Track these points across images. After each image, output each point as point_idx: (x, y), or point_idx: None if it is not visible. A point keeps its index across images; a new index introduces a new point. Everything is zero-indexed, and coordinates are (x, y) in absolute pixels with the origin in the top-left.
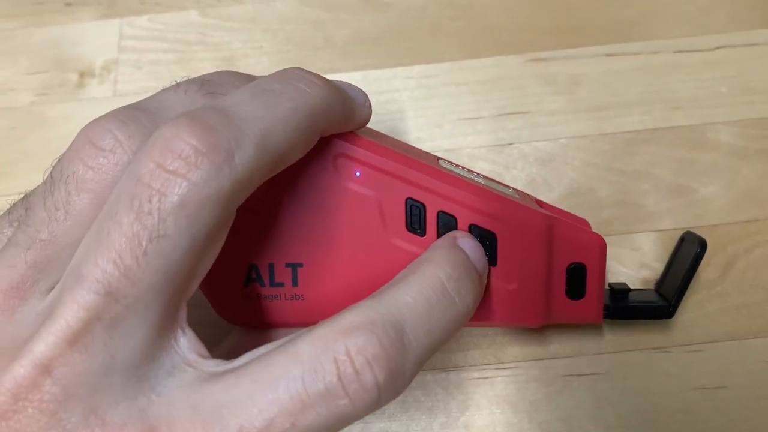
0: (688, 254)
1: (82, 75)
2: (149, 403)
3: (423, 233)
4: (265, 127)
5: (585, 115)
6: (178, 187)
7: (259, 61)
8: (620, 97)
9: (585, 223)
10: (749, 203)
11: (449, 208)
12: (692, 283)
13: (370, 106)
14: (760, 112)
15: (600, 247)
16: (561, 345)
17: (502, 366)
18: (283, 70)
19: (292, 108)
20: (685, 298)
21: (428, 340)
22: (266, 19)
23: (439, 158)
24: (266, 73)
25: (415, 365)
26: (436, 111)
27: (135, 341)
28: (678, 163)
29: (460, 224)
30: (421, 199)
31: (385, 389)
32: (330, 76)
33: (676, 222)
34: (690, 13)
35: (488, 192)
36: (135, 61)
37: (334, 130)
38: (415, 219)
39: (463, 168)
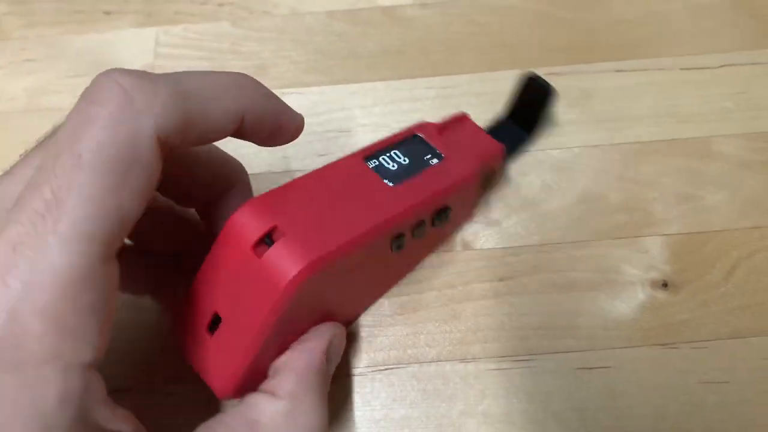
0: (536, 95)
1: None
2: None
3: None
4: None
5: (597, 126)
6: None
7: (288, 69)
8: (630, 110)
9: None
10: (752, 211)
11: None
12: (698, 284)
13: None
14: (763, 127)
15: None
16: (574, 340)
17: (518, 358)
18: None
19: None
20: (691, 298)
21: None
22: (295, 31)
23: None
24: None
25: None
26: None
27: None
28: (685, 173)
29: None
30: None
31: None
32: (354, 86)
33: (682, 227)
34: (696, 33)
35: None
36: (170, 67)
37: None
38: None
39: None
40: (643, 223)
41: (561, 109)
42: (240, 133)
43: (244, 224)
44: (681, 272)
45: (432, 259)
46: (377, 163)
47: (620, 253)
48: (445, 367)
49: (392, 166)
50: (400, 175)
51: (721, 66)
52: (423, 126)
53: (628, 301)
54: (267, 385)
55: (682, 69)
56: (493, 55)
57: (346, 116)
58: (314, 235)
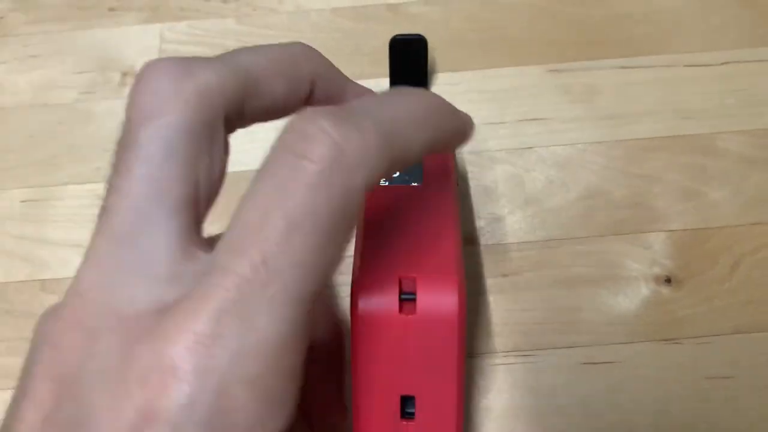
0: (410, 51)
1: (124, 75)
2: None
3: None
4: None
5: (601, 122)
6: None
7: None
8: (634, 106)
9: None
10: (756, 207)
11: None
12: (701, 280)
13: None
14: (766, 123)
15: None
16: (578, 335)
17: (522, 353)
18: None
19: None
20: (694, 293)
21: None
22: (300, 28)
23: None
24: None
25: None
26: None
27: None
28: (688, 169)
29: None
30: None
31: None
32: (359, 82)
33: (685, 223)
34: (700, 30)
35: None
36: None
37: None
38: None
39: None
40: (646, 219)
41: (565, 106)
42: None
43: (374, 301)
44: (684, 268)
45: None
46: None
47: (624, 249)
48: None
49: (396, 173)
50: (413, 172)
51: (725, 63)
52: None
53: (631, 297)
54: None
55: (686, 66)
56: (497, 52)
57: None
58: (432, 261)
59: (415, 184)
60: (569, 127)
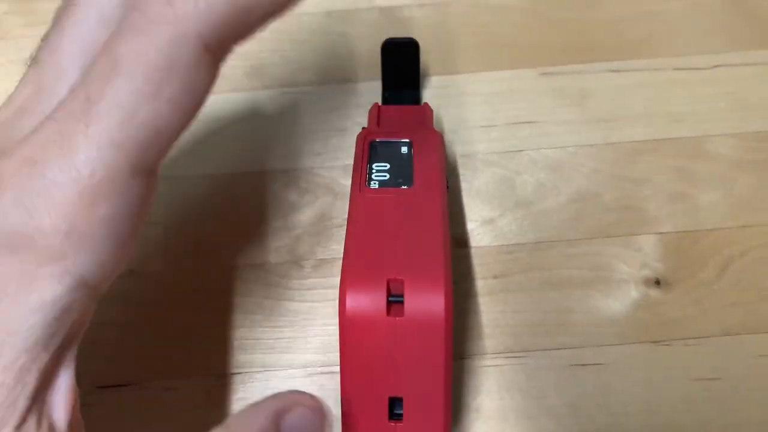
0: (407, 57)
1: None
2: None
3: None
4: None
5: (592, 125)
6: None
7: (286, 68)
8: (625, 110)
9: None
10: (744, 210)
11: None
12: (690, 282)
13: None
14: (756, 126)
15: None
16: (568, 337)
17: (512, 355)
18: None
19: None
20: (683, 295)
21: None
22: (293, 30)
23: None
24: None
25: None
26: (451, 118)
27: None
28: (678, 172)
29: None
30: None
31: None
32: (352, 85)
33: (675, 226)
34: (691, 34)
35: None
36: None
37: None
38: None
39: None
40: (636, 221)
41: (557, 109)
42: None
43: (362, 303)
44: (674, 270)
45: None
46: (377, 181)
47: (614, 251)
48: None
49: (386, 176)
50: (404, 174)
51: (715, 66)
52: (366, 132)
53: (621, 299)
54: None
55: (675, 69)
56: (490, 55)
57: (344, 115)
58: (420, 263)
59: (405, 186)
60: (560, 130)
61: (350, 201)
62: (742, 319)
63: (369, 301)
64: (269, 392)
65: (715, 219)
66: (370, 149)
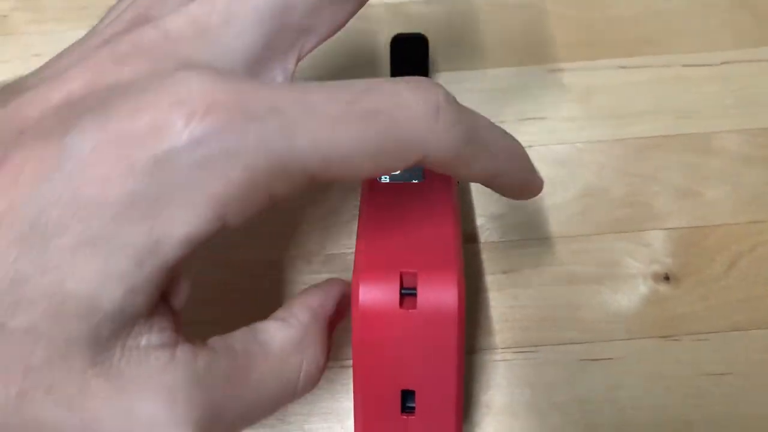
0: (416, 52)
1: None
2: None
3: None
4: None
5: (599, 122)
6: None
7: None
8: (632, 106)
9: None
10: (752, 206)
11: None
12: (699, 278)
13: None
14: (763, 123)
15: None
16: (577, 332)
17: (521, 350)
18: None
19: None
20: (692, 290)
21: None
22: None
23: None
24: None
25: None
26: None
27: None
28: (686, 168)
29: None
30: None
31: None
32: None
33: (683, 221)
34: (698, 31)
35: None
36: None
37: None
38: None
39: None
40: (645, 217)
41: (565, 105)
42: None
43: (375, 295)
44: (682, 266)
45: None
46: (387, 176)
47: (622, 247)
48: None
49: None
50: (414, 169)
51: (723, 63)
52: None
53: (630, 294)
54: (278, 313)
55: (684, 66)
56: (497, 52)
57: None
58: (433, 256)
59: (416, 181)
60: (568, 126)
61: (361, 195)
62: (751, 315)
63: (382, 294)
64: None
65: (723, 215)
66: None
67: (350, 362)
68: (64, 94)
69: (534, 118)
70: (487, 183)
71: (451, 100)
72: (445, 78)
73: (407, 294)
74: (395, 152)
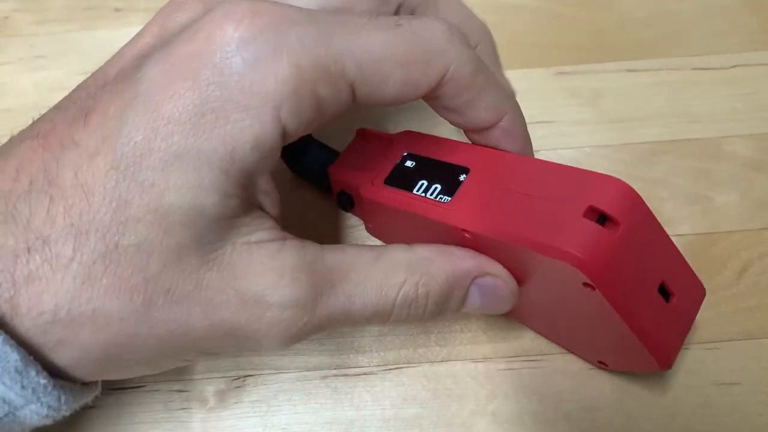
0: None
1: None
2: None
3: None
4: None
5: (607, 125)
6: None
7: None
8: (641, 110)
9: None
10: (763, 212)
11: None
12: (709, 285)
13: None
14: None
15: None
16: None
17: (529, 358)
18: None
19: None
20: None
21: None
22: None
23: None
24: None
25: None
26: None
27: None
28: (695, 173)
29: None
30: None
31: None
32: None
33: (693, 228)
34: (708, 34)
35: None
36: None
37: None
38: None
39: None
40: None
41: (572, 109)
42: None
43: (584, 240)
44: None
45: None
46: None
47: None
48: (456, 367)
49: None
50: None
51: (733, 66)
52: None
53: None
54: (413, 244)
55: (693, 69)
56: (504, 54)
57: (357, 114)
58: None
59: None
60: (576, 130)
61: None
62: (762, 323)
63: (586, 236)
64: (282, 395)
65: (734, 221)
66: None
67: (352, 372)
68: (136, 49)
69: (541, 122)
70: (497, 132)
71: (458, 27)
72: None
73: (603, 219)
74: (422, 61)
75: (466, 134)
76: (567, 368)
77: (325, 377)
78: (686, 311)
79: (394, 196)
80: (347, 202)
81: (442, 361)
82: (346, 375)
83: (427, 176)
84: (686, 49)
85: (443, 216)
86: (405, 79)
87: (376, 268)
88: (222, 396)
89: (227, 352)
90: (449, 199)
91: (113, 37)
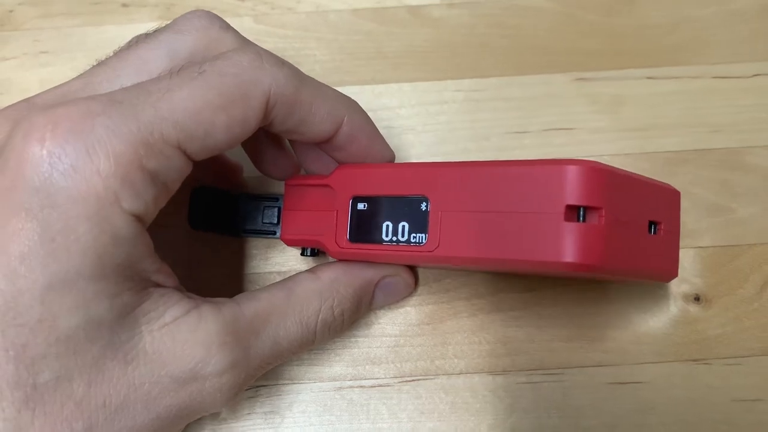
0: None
1: None
2: None
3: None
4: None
5: (627, 134)
6: None
7: (312, 68)
8: (661, 118)
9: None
10: None
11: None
12: (730, 299)
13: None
14: None
15: None
16: (605, 353)
17: (548, 372)
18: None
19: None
20: (723, 312)
21: None
22: (320, 29)
23: None
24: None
25: None
26: (483, 124)
27: None
28: (717, 184)
29: None
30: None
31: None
32: (380, 87)
33: (714, 240)
34: (730, 41)
35: None
36: None
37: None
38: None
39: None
40: None
41: (592, 116)
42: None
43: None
44: (713, 286)
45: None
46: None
47: None
48: (474, 380)
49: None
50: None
51: (755, 75)
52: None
53: (659, 315)
54: (313, 268)
55: (714, 77)
56: (522, 59)
57: (372, 118)
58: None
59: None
60: (595, 138)
61: None
62: None
63: (577, 239)
64: (297, 405)
65: (756, 233)
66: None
67: (367, 383)
68: None
69: (560, 129)
70: (342, 138)
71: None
72: (468, 85)
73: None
74: (239, 97)
75: (329, 155)
76: (587, 382)
77: (340, 388)
78: (673, 221)
79: (366, 252)
80: (314, 252)
81: (460, 374)
82: (361, 386)
83: (388, 217)
84: (707, 57)
85: (429, 258)
86: (230, 121)
87: (291, 304)
88: (235, 407)
89: (182, 425)
90: (425, 236)
91: (120, 33)
